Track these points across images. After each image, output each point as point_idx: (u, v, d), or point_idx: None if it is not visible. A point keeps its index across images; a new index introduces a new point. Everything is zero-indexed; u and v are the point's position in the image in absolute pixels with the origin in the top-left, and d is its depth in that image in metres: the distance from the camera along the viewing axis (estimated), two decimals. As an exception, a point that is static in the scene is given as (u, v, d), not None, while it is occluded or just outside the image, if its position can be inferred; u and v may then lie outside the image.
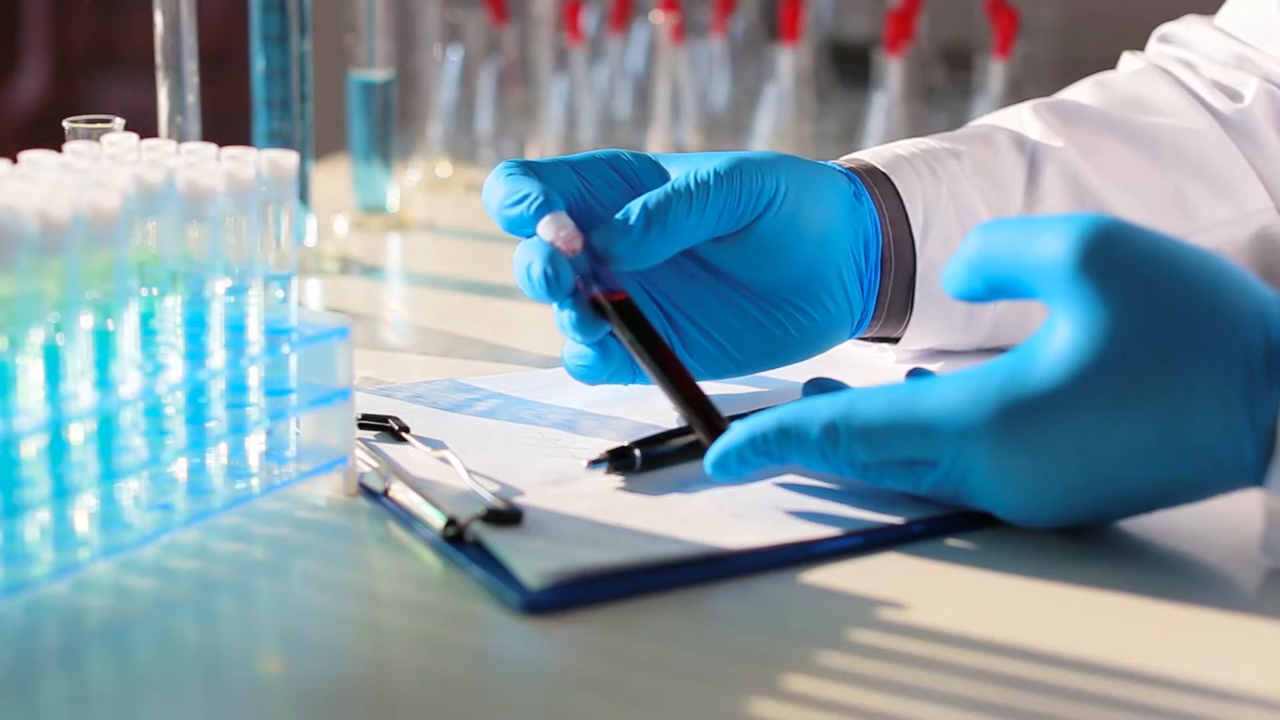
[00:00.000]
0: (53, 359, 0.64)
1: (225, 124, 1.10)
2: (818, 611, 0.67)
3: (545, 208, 0.79)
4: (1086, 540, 0.71)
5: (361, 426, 0.80)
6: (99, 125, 0.78)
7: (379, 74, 1.27)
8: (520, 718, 0.60)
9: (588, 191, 0.82)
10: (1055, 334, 0.67)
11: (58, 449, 0.65)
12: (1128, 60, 0.98)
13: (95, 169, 0.68)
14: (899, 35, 1.44)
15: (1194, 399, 0.66)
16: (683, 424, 0.79)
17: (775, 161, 0.82)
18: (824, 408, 0.71)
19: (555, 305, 0.80)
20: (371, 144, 1.28)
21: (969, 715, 0.59)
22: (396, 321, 1.09)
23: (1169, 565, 0.69)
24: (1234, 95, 0.92)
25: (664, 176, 0.83)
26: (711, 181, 0.80)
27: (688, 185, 0.80)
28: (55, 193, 0.64)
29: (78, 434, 0.65)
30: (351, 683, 0.62)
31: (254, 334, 0.72)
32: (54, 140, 0.76)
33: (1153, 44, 0.98)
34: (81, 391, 0.65)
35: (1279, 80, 0.92)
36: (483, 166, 1.51)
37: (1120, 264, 0.67)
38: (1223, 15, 0.97)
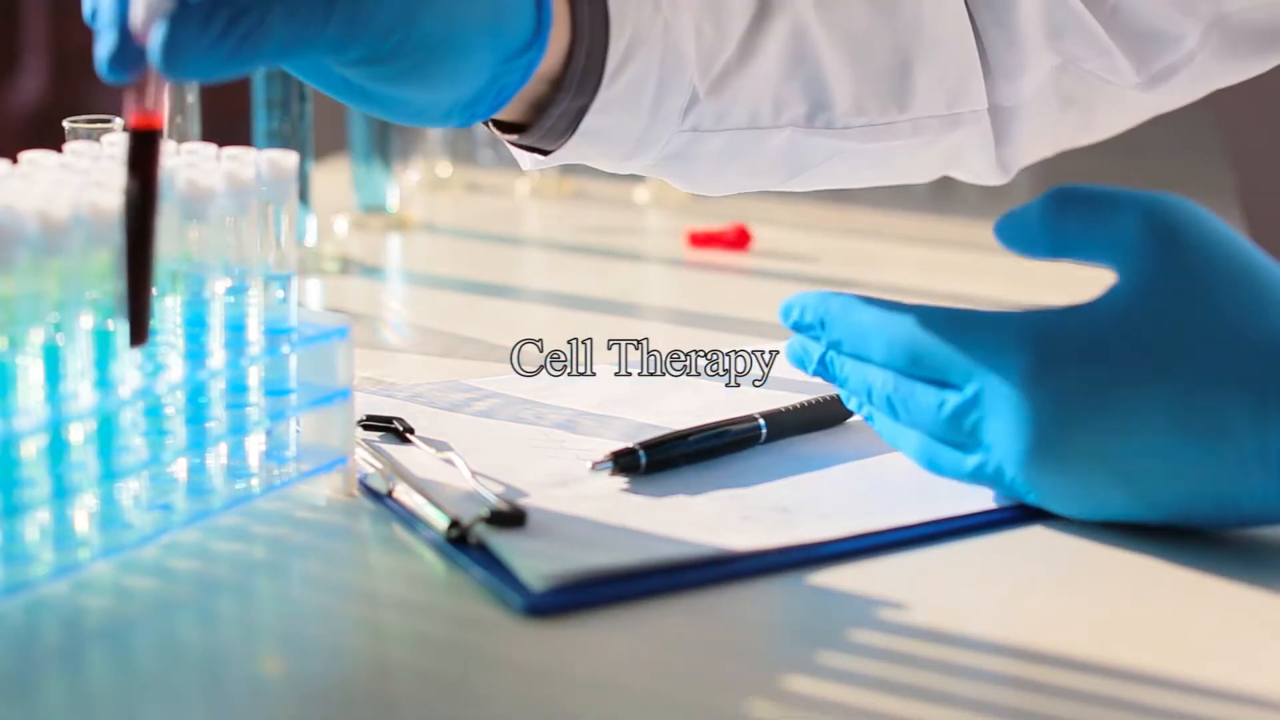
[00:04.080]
0: (53, 359, 0.64)
1: (225, 124, 1.10)
2: (818, 611, 0.67)
3: None
4: (1086, 540, 0.71)
5: (366, 428, 0.80)
6: (99, 125, 0.78)
7: (379, 74, 1.27)
8: (522, 719, 0.60)
9: None
10: (1109, 291, 0.70)
11: (58, 449, 0.64)
12: None
13: (95, 169, 0.68)
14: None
15: (1222, 371, 0.66)
16: (688, 426, 0.79)
17: None
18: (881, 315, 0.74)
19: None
20: (371, 144, 1.28)
21: (969, 715, 0.59)
22: (396, 321, 1.09)
23: (1169, 565, 0.69)
24: None
25: None
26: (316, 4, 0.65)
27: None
28: (55, 193, 0.64)
29: (78, 434, 0.65)
30: (352, 684, 0.61)
31: (254, 334, 0.72)
32: (54, 140, 0.76)
33: None
34: (81, 391, 0.65)
35: None
36: (483, 166, 1.51)
37: (1185, 238, 0.69)
38: None
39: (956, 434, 0.72)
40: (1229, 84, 0.90)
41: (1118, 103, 0.89)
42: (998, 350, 0.70)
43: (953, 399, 0.71)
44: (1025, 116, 0.87)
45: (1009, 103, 0.87)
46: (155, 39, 0.62)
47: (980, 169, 0.89)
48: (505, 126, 0.79)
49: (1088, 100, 0.89)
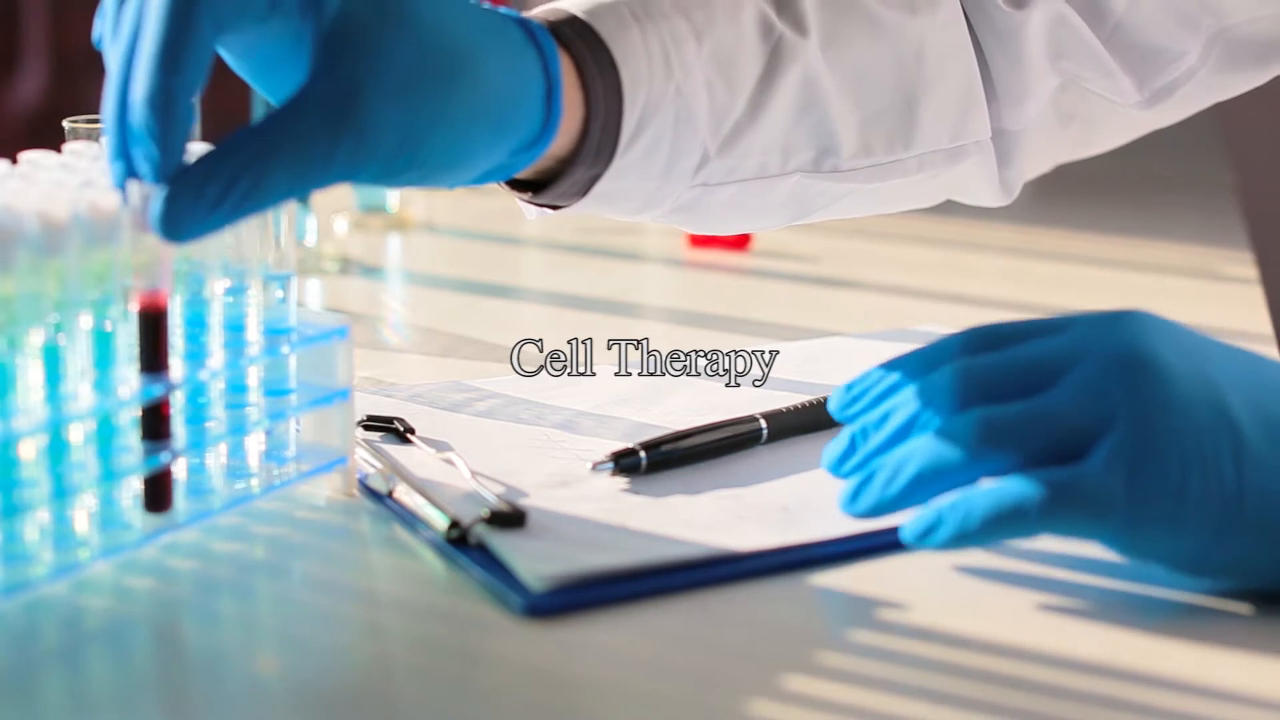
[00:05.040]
0: (53, 359, 0.64)
1: (225, 124, 1.10)
2: (818, 611, 0.67)
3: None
4: (1085, 541, 0.70)
5: (367, 428, 0.80)
6: (99, 125, 0.78)
7: (379, 74, 1.27)
8: (522, 719, 0.59)
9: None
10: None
11: (58, 449, 0.64)
12: None
13: (95, 169, 0.68)
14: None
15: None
16: (688, 426, 0.79)
17: (413, 88, 0.66)
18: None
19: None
20: (371, 144, 1.27)
21: (969, 715, 0.59)
22: (396, 321, 1.09)
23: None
24: (1018, 1, 0.85)
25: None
26: (309, 126, 0.64)
27: (282, 130, 0.63)
28: (55, 193, 0.64)
29: (78, 434, 0.65)
30: (352, 684, 0.61)
31: (253, 334, 0.72)
32: (54, 140, 0.76)
33: None
34: (81, 391, 0.65)
35: (1077, 4, 0.85)
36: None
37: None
38: None
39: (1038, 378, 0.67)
40: (1227, 97, 0.89)
41: (1118, 119, 0.89)
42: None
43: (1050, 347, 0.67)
44: (1027, 138, 0.87)
45: (1014, 127, 0.86)
46: (153, 212, 0.63)
47: (983, 193, 0.89)
48: (513, 182, 0.78)
49: (1088, 117, 0.88)
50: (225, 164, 0.63)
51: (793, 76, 0.79)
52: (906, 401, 0.69)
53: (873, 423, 0.70)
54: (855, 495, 0.68)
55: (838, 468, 0.71)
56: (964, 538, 0.65)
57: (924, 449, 0.67)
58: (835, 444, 0.71)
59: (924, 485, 0.66)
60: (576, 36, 0.74)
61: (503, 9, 0.71)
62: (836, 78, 0.81)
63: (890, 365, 0.71)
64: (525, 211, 0.79)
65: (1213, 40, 0.86)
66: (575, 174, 0.75)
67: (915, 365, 0.70)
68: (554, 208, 0.78)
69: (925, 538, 0.66)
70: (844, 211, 0.86)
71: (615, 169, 0.75)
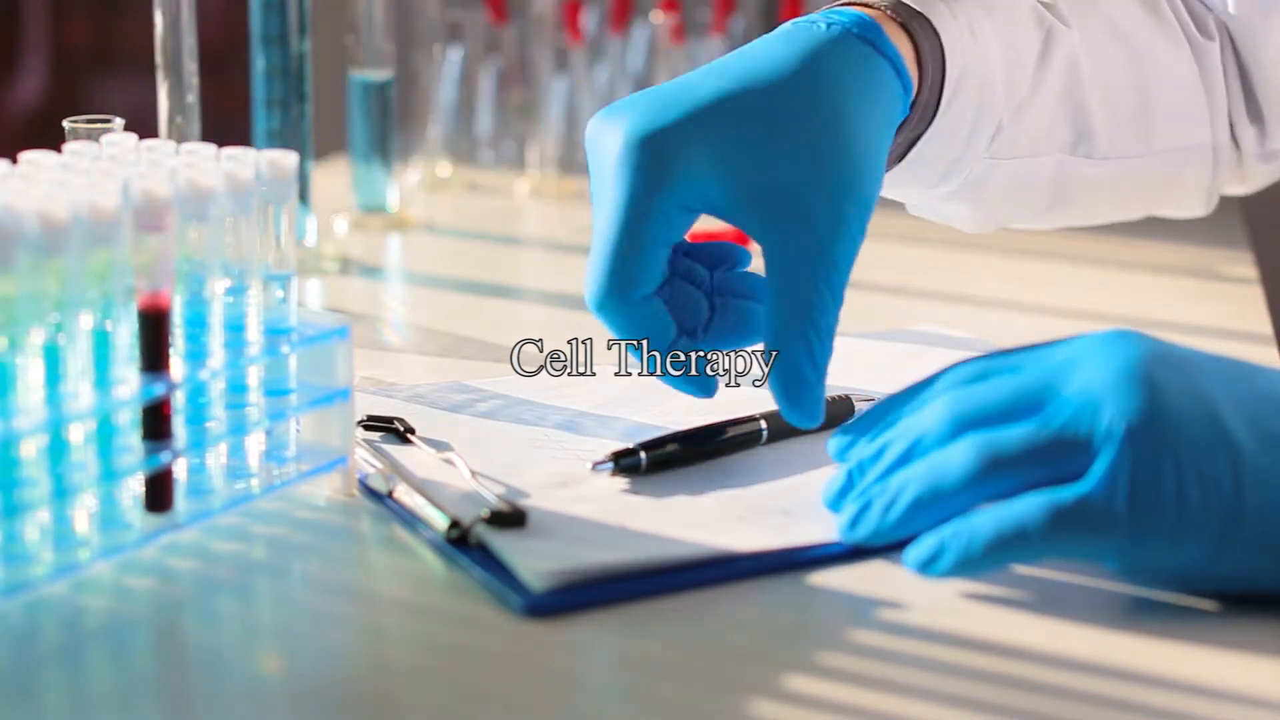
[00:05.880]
0: (53, 359, 0.64)
1: (225, 124, 1.10)
2: (818, 611, 0.67)
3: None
4: (1087, 561, 0.70)
5: (367, 428, 0.80)
6: (99, 125, 0.78)
7: (379, 74, 1.27)
8: (522, 719, 0.59)
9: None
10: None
11: (58, 449, 0.64)
12: None
13: (95, 169, 0.68)
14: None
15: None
16: (688, 426, 0.79)
17: (842, 189, 0.75)
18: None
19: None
20: (371, 144, 1.28)
21: (969, 715, 0.59)
22: (396, 321, 1.09)
23: (1169, 565, 0.69)
24: (1205, 31, 0.91)
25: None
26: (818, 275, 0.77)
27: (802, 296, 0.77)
28: (55, 193, 0.64)
29: (78, 434, 0.65)
30: (352, 684, 0.61)
31: (254, 334, 0.72)
32: (54, 140, 0.76)
33: None
34: (81, 391, 0.65)
35: (1230, 29, 0.92)
36: (483, 166, 1.51)
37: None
38: None
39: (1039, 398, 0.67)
40: None
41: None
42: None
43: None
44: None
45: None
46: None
47: (1194, 202, 0.94)
48: None
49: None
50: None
51: (1060, 61, 0.85)
52: (903, 434, 0.70)
53: (869, 457, 0.71)
54: (854, 522, 0.69)
55: (837, 504, 0.72)
56: (968, 564, 0.65)
57: (921, 475, 0.67)
58: (834, 481, 0.72)
59: (922, 510, 0.67)
60: (898, 5, 0.79)
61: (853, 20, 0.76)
62: (1090, 69, 0.86)
63: (885, 404, 0.73)
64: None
65: None
66: (898, 137, 0.80)
67: (909, 400, 0.71)
68: None
69: (929, 566, 0.66)
70: (1084, 210, 0.90)
71: (932, 131, 0.80)
